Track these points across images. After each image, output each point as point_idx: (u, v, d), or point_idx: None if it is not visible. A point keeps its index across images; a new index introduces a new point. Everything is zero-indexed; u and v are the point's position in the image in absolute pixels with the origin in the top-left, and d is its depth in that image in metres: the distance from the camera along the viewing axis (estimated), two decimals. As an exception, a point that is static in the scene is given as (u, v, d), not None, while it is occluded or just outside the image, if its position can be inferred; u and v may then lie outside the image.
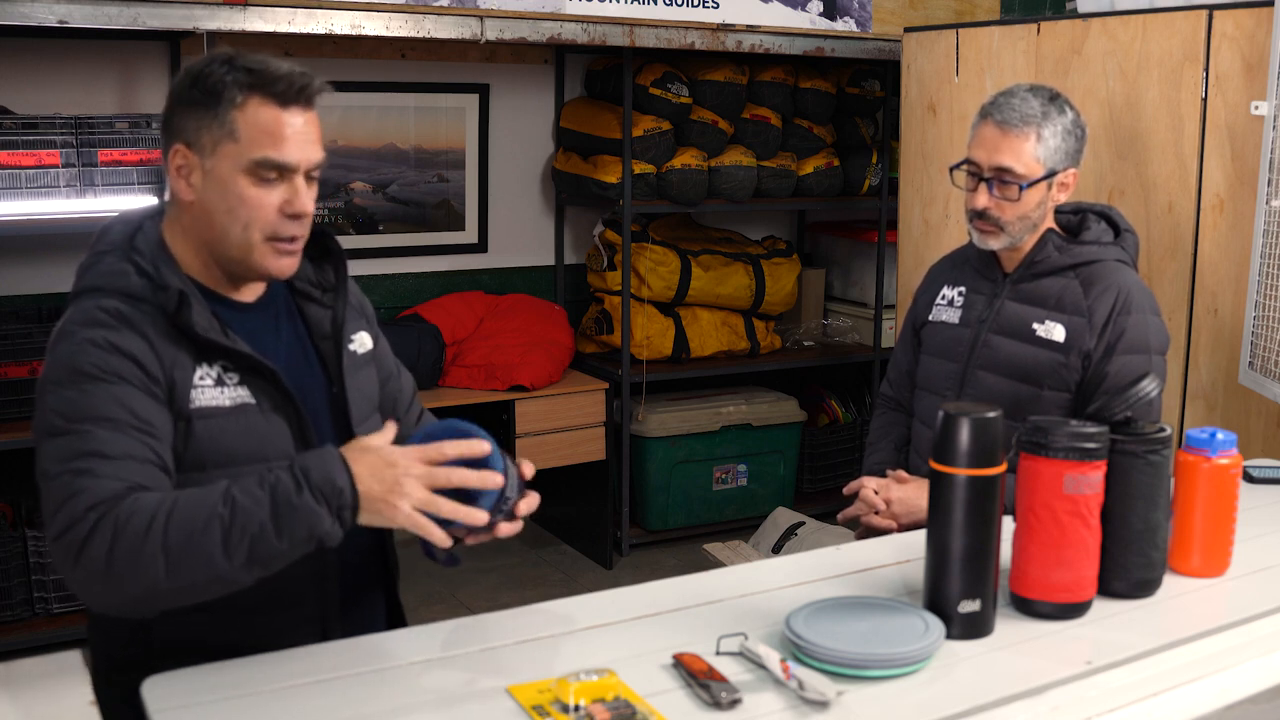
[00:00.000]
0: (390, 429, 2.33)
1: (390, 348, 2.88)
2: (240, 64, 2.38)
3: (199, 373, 2.36)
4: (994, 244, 3.36)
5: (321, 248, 2.66)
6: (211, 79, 2.37)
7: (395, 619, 2.78)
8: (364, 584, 2.65)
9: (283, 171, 2.38)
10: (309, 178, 2.43)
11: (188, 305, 2.33)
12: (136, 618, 2.33)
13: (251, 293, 2.54)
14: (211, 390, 2.37)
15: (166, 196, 2.51)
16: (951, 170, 3.44)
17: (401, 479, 2.20)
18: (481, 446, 2.28)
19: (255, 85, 2.36)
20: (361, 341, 2.68)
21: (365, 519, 2.22)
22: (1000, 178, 3.28)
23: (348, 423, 2.57)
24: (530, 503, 2.47)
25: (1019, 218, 3.30)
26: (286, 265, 2.45)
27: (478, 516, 2.25)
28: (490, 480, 2.26)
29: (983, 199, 3.31)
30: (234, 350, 2.39)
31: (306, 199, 2.41)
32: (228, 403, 2.38)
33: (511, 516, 2.42)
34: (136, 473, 2.22)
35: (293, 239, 2.44)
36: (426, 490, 2.21)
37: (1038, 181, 3.27)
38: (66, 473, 2.20)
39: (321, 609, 2.53)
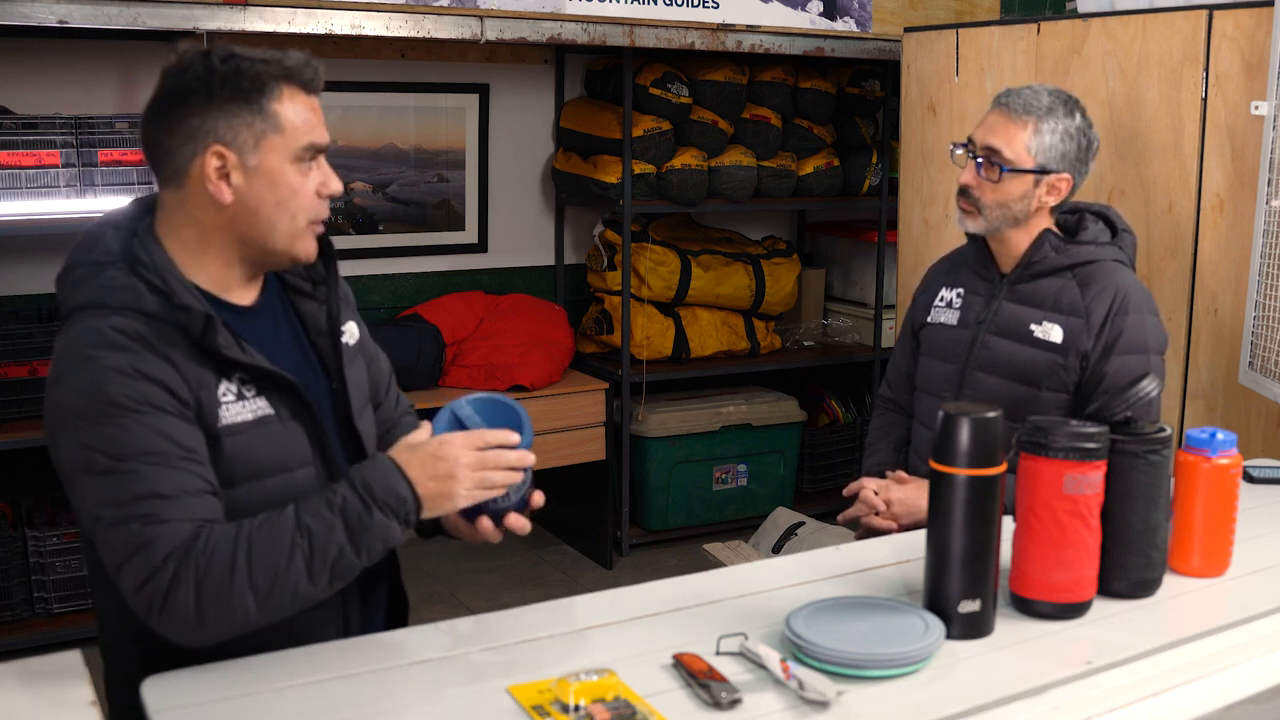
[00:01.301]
0: (425, 428, 2.45)
1: (370, 336, 2.89)
2: (254, 57, 2.39)
3: (222, 389, 2.37)
4: (971, 226, 3.40)
5: None
6: (245, 75, 2.36)
7: (398, 604, 2.83)
8: (375, 575, 2.69)
9: (316, 155, 2.44)
10: None
11: (213, 327, 2.33)
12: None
13: (249, 295, 2.53)
14: (235, 406, 2.38)
15: (160, 201, 2.49)
16: (953, 148, 3.47)
17: (454, 469, 2.33)
18: (511, 438, 2.40)
19: (286, 75, 2.40)
20: (351, 332, 2.70)
21: (428, 514, 2.36)
22: (988, 157, 3.32)
23: (348, 416, 2.61)
24: (538, 497, 2.58)
25: (998, 203, 3.33)
26: (315, 249, 2.51)
27: (528, 458, 2.42)
28: (527, 459, 2.41)
29: (967, 175, 3.36)
30: (251, 364, 2.39)
31: (336, 179, 2.49)
32: (250, 416, 2.39)
33: (524, 506, 2.53)
34: (197, 508, 2.24)
35: (323, 221, 2.51)
36: (478, 472, 2.35)
37: (1023, 171, 3.29)
38: (131, 519, 2.20)
39: (344, 605, 2.58)
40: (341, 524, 2.26)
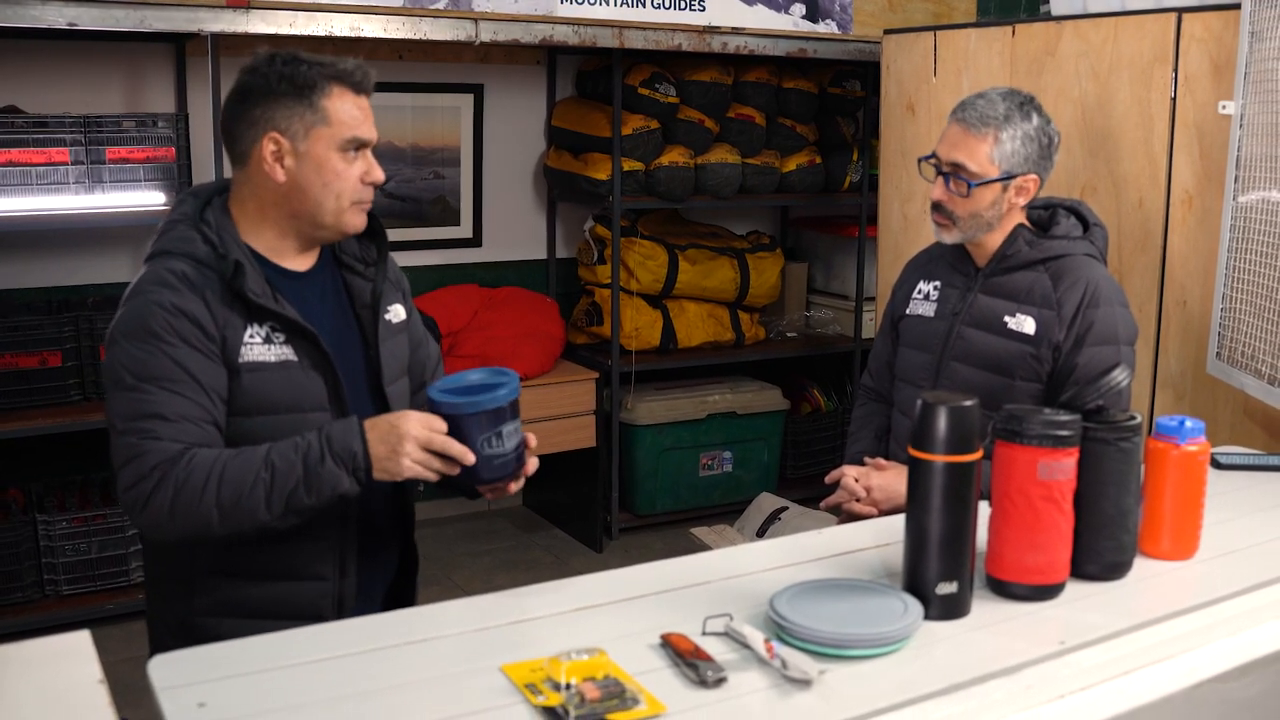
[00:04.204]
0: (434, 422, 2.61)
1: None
2: (311, 60, 2.73)
3: (249, 331, 2.70)
4: (947, 238, 3.43)
5: (368, 228, 2.95)
6: (300, 75, 2.71)
7: (409, 562, 3.11)
8: (380, 526, 2.96)
9: (362, 147, 2.77)
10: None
11: (242, 273, 2.67)
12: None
13: (304, 263, 2.87)
14: (260, 347, 2.71)
15: (232, 178, 2.85)
16: (920, 162, 3.49)
17: (400, 443, 2.55)
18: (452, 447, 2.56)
19: (338, 77, 2.73)
20: (396, 313, 3.00)
21: (379, 475, 2.59)
22: (955, 173, 3.33)
23: (379, 382, 2.90)
24: (531, 465, 2.78)
25: (970, 214, 3.35)
26: (363, 222, 2.84)
27: (468, 458, 2.56)
28: (467, 456, 2.56)
29: (938, 191, 3.37)
30: (281, 314, 2.71)
31: (379, 169, 2.81)
32: (273, 359, 2.72)
33: (518, 476, 2.72)
34: (191, 433, 2.60)
35: (368, 201, 2.82)
36: (421, 450, 2.56)
37: (990, 182, 3.31)
38: (132, 431, 2.59)
39: (341, 542, 2.83)
40: (301, 466, 2.56)
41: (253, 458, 2.58)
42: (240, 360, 2.69)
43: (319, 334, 2.75)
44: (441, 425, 2.56)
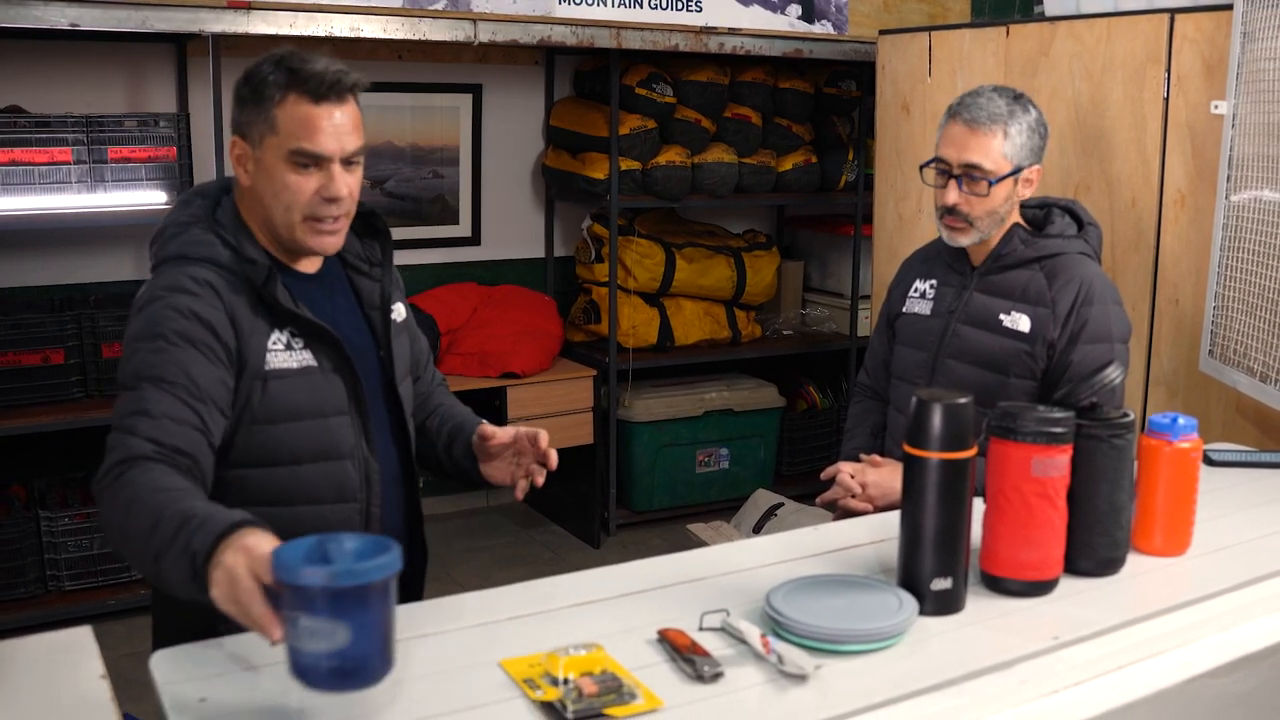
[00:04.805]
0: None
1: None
2: (284, 64, 2.59)
3: (272, 338, 2.62)
4: (963, 240, 3.41)
5: (370, 227, 2.92)
6: (258, 78, 2.60)
7: (418, 558, 3.01)
8: (394, 523, 2.87)
9: (317, 160, 2.59)
10: (349, 164, 2.64)
11: (274, 278, 2.60)
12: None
13: (311, 265, 2.79)
14: (282, 354, 2.63)
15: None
16: (921, 168, 3.47)
17: (216, 566, 2.05)
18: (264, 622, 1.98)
19: (292, 83, 2.57)
20: (399, 312, 2.94)
21: (210, 589, 2.08)
22: (969, 174, 3.32)
23: (391, 382, 2.86)
24: (519, 490, 2.78)
25: (988, 213, 3.35)
26: (328, 243, 2.69)
27: (265, 625, 1.95)
28: (263, 624, 1.95)
29: (953, 195, 3.34)
30: (302, 318, 2.64)
31: (339, 184, 2.61)
32: (295, 365, 2.64)
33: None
34: (171, 433, 2.43)
35: (333, 219, 2.65)
36: (227, 587, 2.02)
37: (1005, 177, 3.31)
38: (119, 428, 2.44)
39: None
40: (173, 531, 2.16)
41: (169, 507, 2.22)
42: (267, 368, 2.61)
43: (340, 337, 2.69)
44: (265, 577, 1.98)
